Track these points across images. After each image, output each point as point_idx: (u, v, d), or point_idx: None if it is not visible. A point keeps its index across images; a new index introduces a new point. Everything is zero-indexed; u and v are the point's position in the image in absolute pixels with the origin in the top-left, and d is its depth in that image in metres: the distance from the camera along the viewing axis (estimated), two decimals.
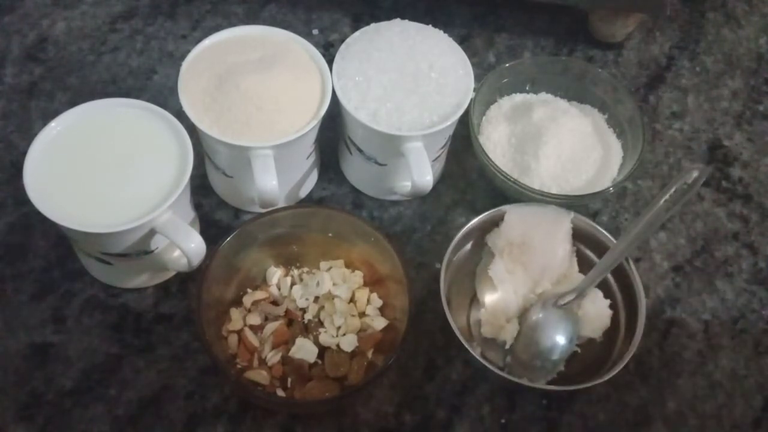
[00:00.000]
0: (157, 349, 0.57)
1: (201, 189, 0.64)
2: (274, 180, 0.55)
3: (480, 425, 0.56)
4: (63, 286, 0.59)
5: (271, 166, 0.55)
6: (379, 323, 0.56)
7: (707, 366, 0.60)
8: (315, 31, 0.74)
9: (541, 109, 0.65)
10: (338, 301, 0.57)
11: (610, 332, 0.58)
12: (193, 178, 0.54)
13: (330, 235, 0.58)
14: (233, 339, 0.56)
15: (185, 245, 0.53)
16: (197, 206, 0.61)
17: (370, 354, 0.56)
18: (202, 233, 0.55)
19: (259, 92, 0.56)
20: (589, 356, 0.58)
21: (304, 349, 0.55)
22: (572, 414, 0.57)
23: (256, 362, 0.55)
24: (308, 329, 0.57)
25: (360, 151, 0.61)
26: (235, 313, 0.56)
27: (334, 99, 0.58)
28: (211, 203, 0.64)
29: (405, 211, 0.65)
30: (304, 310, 0.57)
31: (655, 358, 0.60)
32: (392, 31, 0.61)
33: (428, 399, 0.57)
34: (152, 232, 0.53)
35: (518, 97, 0.68)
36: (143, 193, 0.52)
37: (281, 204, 0.62)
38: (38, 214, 0.51)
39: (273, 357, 0.55)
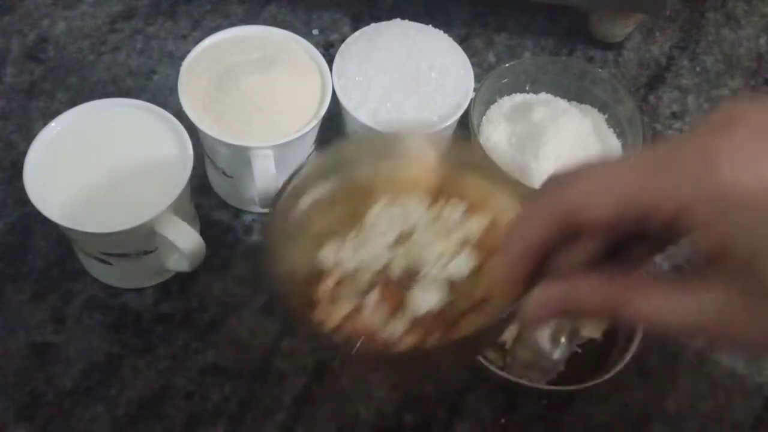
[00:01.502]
0: (157, 349, 0.57)
1: (201, 189, 0.64)
2: (274, 180, 0.55)
3: (480, 425, 0.56)
4: (63, 286, 0.59)
5: (271, 166, 0.55)
6: (479, 221, 0.44)
7: (707, 366, 0.60)
8: (315, 31, 0.74)
9: (541, 109, 0.65)
10: (419, 229, 0.44)
11: (610, 332, 0.58)
12: (193, 178, 0.54)
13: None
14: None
15: (185, 245, 0.53)
16: (197, 206, 0.61)
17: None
18: (202, 233, 0.55)
19: (259, 92, 0.56)
20: (589, 356, 0.57)
21: (423, 299, 0.43)
22: (572, 414, 0.57)
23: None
24: (408, 280, 0.43)
25: None
26: (323, 311, 0.43)
27: (334, 99, 0.58)
28: (211, 203, 0.64)
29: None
30: (386, 268, 0.44)
31: (655, 358, 0.60)
32: (392, 31, 0.61)
33: (428, 399, 0.57)
34: (152, 232, 0.53)
35: (518, 98, 0.68)
36: (143, 193, 0.52)
37: None
38: (38, 214, 0.51)
39: (399, 326, 0.42)
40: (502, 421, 0.57)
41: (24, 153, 0.53)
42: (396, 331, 0.42)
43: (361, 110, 0.58)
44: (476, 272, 0.43)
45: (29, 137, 0.54)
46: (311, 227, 0.44)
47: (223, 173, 0.60)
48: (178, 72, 0.57)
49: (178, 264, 0.57)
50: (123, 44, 0.71)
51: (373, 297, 0.42)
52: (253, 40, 0.60)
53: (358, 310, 0.42)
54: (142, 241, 0.54)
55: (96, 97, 0.56)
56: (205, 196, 0.64)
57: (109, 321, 0.58)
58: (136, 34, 0.72)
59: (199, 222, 0.61)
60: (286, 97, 0.57)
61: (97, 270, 0.59)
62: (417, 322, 0.42)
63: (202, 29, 0.73)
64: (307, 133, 0.56)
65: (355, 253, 0.44)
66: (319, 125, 0.58)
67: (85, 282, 0.59)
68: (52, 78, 0.69)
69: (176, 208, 0.53)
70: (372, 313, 0.42)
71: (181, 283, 0.60)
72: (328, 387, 0.57)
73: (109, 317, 0.58)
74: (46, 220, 0.51)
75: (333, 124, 0.62)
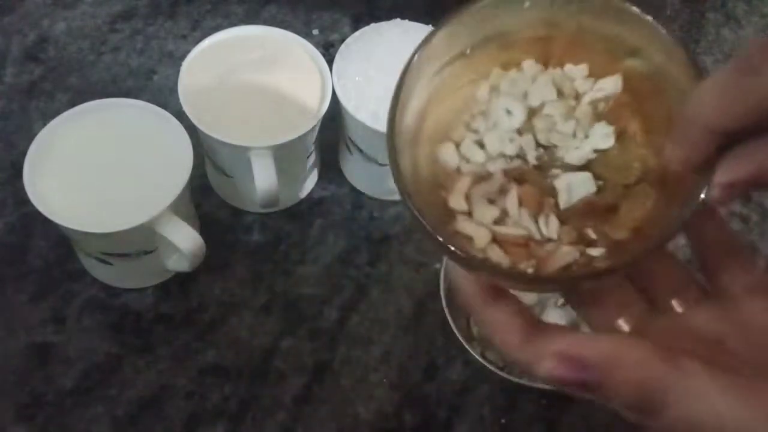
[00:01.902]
0: (157, 349, 0.57)
1: (201, 189, 0.64)
2: (274, 180, 0.55)
3: (480, 425, 0.56)
4: (63, 286, 0.59)
5: (271, 166, 0.55)
6: (610, 84, 0.37)
7: None
8: (315, 31, 0.73)
9: None
10: (546, 102, 0.37)
11: None
12: (193, 178, 0.54)
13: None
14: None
15: (185, 245, 0.53)
16: (197, 206, 0.61)
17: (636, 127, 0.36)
18: (202, 233, 0.55)
19: (259, 92, 0.56)
20: None
21: (573, 186, 0.35)
22: (572, 414, 0.57)
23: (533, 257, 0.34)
24: (546, 169, 0.36)
25: (360, 151, 0.61)
26: (464, 226, 0.35)
27: (334, 99, 0.58)
28: (211, 203, 0.64)
29: (405, 211, 0.65)
30: (522, 158, 0.36)
31: None
32: (392, 31, 0.61)
33: (428, 399, 0.57)
34: (152, 232, 0.53)
35: None
36: (143, 193, 0.52)
37: (282, 205, 0.62)
38: (38, 214, 0.51)
39: (552, 230, 0.34)
40: (502, 421, 0.57)
41: (24, 153, 0.53)
42: (551, 236, 0.34)
43: (361, 110, 0.58)
44: (621, 147, 0.36)
45: (29, 137, 0.54)
46: (427, 125, 0.37)
47: (223, 173, 0.60)
48: (178, 72, 0.57)
49: (178, 264, 0.57)
50: (123, 44, 0.71)
51: (512, 198, 0.35)
52: (253, 40, 0.60)
53: (501, 219, 0.35)
54: (142, 241, 0.54)
55: (96, 97, 0.56)
56: (205, 196, 0.64)
57: (109, 321, 0.58)
58: (136, 34, 0.72)
59: (199, 222, 0.61)
60: (286, 97, 0.57)
61: (97, 270, 0.59)
62: (567, 220, 0.35)
63: (202, 29, 0.73)
64: (307, 133, 0.56)
65: (481, 144, 0.37)
66: (319, 125, 0.58)
67: (85, 282, 0.59)
68: (52, 78, 0.69)
69: (176, 208, 0.53)
70: (518, 220, 0.35)
71: (181, 283, 0.60)
72: (328, 387, 0.57)
73: (109, 317, 0.58)
74: (46, 220, 0.51)
75: (333, 124, 0.62)
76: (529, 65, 0.38)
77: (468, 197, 0.35)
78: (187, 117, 0.55)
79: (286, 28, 0.61)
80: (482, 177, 0.36)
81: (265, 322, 0.59)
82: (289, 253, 0.62)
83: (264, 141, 0.55)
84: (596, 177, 0.35)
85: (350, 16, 0.75)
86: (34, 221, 0.61)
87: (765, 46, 0.27)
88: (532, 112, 0.37)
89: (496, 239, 0.34)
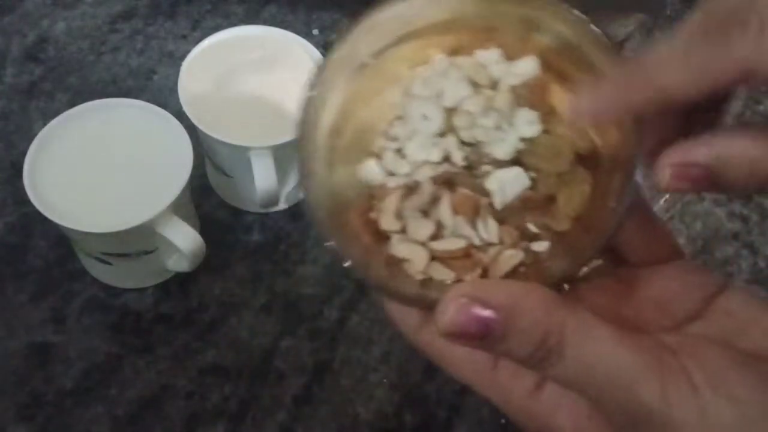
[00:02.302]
0: (157, 349, 0.57)
1: (201, 189, 0.64)
2: (274, 180, 0.55)
3: (480, 425, 0.56)
4: (63, 286, 0.59)
5: (271, 166, 0.55)
6: (525, 65, 0.35)
7: None
8: (315, 31, 0.73)
9: None
10: (463, 98, 0.35)
11: None
12: (193, 178, 0.54)
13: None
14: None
15: (185, 245, 0.53)
16: (197, 206, 0.61)
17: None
18: (202, 233, 0.55)
19: (259, 92, 0.56)
20: None
21: (507, 181, 0.33)
22: None
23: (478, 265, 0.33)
24: (476, 167, 0.34)
25: None
26: (400, 247, 0.33)
27: None
28: (211, 203, 0.64)
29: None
30: (449, 161, 0.34)
31: None
32: None
33: (428, 399, 0.57)
34: (152, 232, 0.53)
35: None
36: (143, 193, 0.52)
37: (282, 205, 0.62)
38: (38, 214, 0.51)
39: (492, 235, 0.33)
40: (502, 421, 0.57)
41: (24, 153, 0.53)
42: (492, 240, 0.33)
43: None
44: (548, 133, 0.34)
45: (29, 137, 0.54)
46: (342, 143, 0.35)
47: (223, 173, 0.60)
48: (178, 72, 0.57)
49: (178, 264, 0.57)
50: (123, 44, 0.71)
51: (446, 207, 0.33)
52: (253, 40, 0.60)
53: (438, 233, 0.33)
54: (142, 241, 0.54)
55: (96, 97, 0.56)
56: (205, 196, 0.64)
57: (109, 321, 0.58)
58: (136, 34, 0.72)
59: (199, 222, 0.61)
60: (286, 97, 0.57)
61: (97, 270, 0.59)
62: (505, 219, 0.33)
63: (202, 29, 0.73)
64: None
65: (403, 154, 0.34)
66: None
67: (85, 282, 0.59)
68: (52, 78, 0.69)
69: (176, 208, 0.53)
70: (455, 230, 0.33)
71: (181, 283, 0.60)
72: (328, 387, 0.57)
73: (109, 317, 0.58)
74: (46, 220, 0.51)
75: None
76: (439, 60, 0.36)
77: (399, 214, 0.34)
78: (187, 117, 0.55)
79: (286, 28, 0.61)
80: (411, 189, 0.34)
81: (265, 322, 0.59)
82: (289, 253, 0.62)
83: (264, 141, 0.55)
84: (528, 169, 0.33)
85: (350, 16, 0.75)
86: (34, 221, 0.61)
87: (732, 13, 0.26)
88: (450, 112, 0.35)
89: (435, 256, 0.33)
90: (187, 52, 0.58)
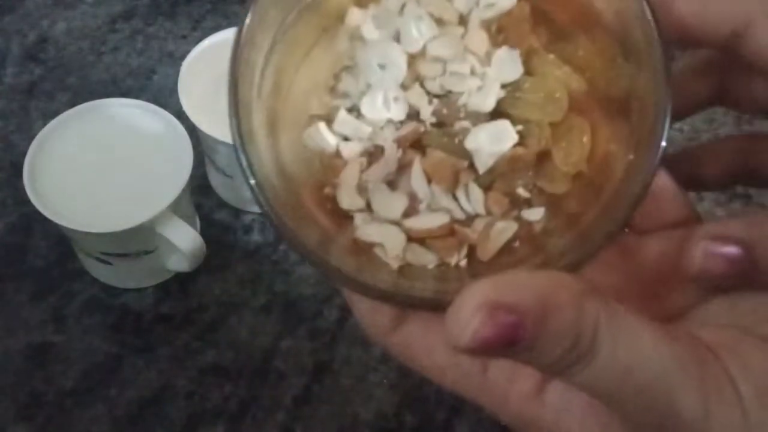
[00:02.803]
0: (157, 349, 0.57)
1: (201, 189, 0.64)
2: None
3: (480, 426, 0.56)
4: (63, 286, 0.59)
5: None
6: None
7: None
8: None
9: None
10: (429, 40, 0.28)
11: None
12: (193, 178, 0.54)
13: None
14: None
15: (185, 245, 0.53)
16: (197, 206, 0.61)
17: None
18: (202, 233, 0.55)
19: None
20: None
21: (491, 141, 0.27)
22: None
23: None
24: (450, 124, 0.28)
25: None
26: (367, 229, 0.27)
27: None
28: (211, 203, 0.64)
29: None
30: (416, 118, 0.28)
31: None
32: None
33: (428, 399, 0.57)
34: (152, 232, 0.53)
35: None
36: (143, 193, 0.52)
37: None
38: (38, 214, 0.51)
39: (477, 206, 0.27)
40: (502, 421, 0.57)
41: (24, 153, 0.53)
42: (477, 211, 0.27)
43: None
44: (534, 74, 0.28)
45: (29, 137, 0.54)
46: (285, 106, 0.28)
47: (223, 173, 0.60)
48: (178, 72, 0.57)
49: (178, 264, 0.57)
50: (123, 44, 0.71)
51: (418, 174, 0.27)
52: None
53: (412, 208, 0.27)
54: (142, 241, 0.54)
55: (96, 97, 0.56)
56: (205, 196, 0.64)
57: (109, 321, 0.58)
58: (136, 34, 0.72)
59: (199, 222, 0.61)
60: None
61: (97, 270, 0.59)
62: (491, 185, 0.27)
63: (202, 29, 0.73)
64: None
65: (358, 114, 0.28)
66: None
67: (85, 282, 0.59)
68: (52, 78, 0.69)
69: (176, 208, 0.53)
70: (431, 201, 0.27)
71: (181, 283, 0.60)
72: (328, 387, 0.57)
73: (109, 317, 0.58)
74: (46, 220, 0.51)
75: None
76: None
77: (361, 188, 0.27)
78: (187, 117, 0.55)
79: None
80: (372, 156, 0.27)
81: (265, 322, 0.59)
82: (289, 253, 0.62)
83: None
84: (514, 121, 0.27)
85: None
86: (34, 221, 0.61)
87: None
88: (412, 58, 0.28)
89: (411, 237, 0.26)
90: (187, 52, 0.58)
